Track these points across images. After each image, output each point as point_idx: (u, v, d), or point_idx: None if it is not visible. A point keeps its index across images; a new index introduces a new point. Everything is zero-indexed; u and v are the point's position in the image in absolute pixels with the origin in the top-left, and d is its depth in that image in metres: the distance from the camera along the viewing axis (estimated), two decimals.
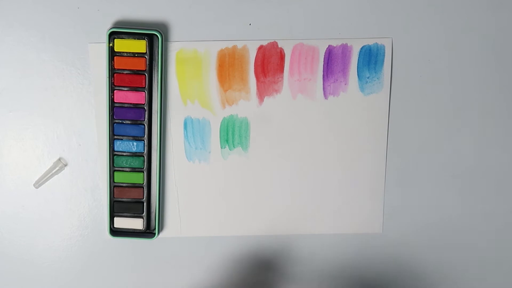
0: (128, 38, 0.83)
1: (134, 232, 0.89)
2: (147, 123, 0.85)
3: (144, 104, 0.85)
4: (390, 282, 0.92)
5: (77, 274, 0.92)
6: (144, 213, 0.88)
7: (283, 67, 0.87)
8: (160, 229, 0.90)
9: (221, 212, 0.91)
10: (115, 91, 0.85)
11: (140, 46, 0.83)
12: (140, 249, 0.91)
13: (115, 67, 0.84)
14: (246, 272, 0.93)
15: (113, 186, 0.87)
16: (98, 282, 0.93)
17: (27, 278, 0.92)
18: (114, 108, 0.85)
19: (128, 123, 0.85)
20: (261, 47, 0.86)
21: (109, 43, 0.83)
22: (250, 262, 0.91)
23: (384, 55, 0.87)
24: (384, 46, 0.86)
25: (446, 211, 0.91)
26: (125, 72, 0.84)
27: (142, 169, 0.87)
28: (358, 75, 0.87)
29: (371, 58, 0.87)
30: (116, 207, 0.88)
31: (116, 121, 0.85)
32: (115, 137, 0.86)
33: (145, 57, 0.84)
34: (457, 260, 0.92)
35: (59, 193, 0.90)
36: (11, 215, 0.90)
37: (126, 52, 0.84)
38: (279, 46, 0.86)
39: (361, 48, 0.86)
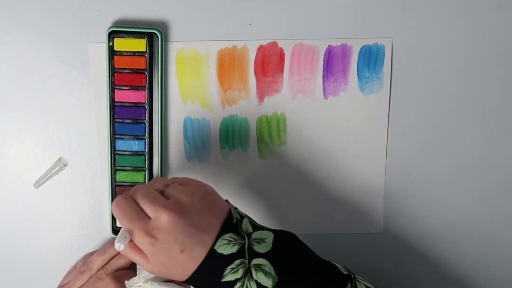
0: (128, 37, 0.83)
1: None
2: (148, 122, 0.85)
3: (144, 103, 0.85)
4: (390, 282, 0.92)
5: None
6: None
7: (283, 67, 0.87)
8: None
9: None
10: (115, 90, 0.85)
11: (139, 45, 0.83)
12: None
13: (115, 66, 0.84)
14: None
15: (115, 185, 0.87)
16: None
17: (27, 278, 0.92)
18: (114, 107, 0.85)
19: (129, 122, 0.85)
20: (261, 47, 0.86)
21: (109, 42, 0.83)
22: None
23: (384, 55, 0.87)
24: (384, 46, 0.86)
25: (445, 211, 0.92)
26: (125, 71, 0.84)
27: (143, 168, 0.87)
28: (358, 75, 0.87)
29: (371, 58, 0.87)
30: None
31: (117, 120, 0.85)
32: (116, 136, 0.86)
33: (145, 56, 0.84)
34: (456, 259, 0.92)
35: (59, 193, 0.90)
36: (11, 215, 0.90)
37: (126, 51, 0.84)
38: (279, 46, 0.86)
39: (361, 48, 0.87)
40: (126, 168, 0.87)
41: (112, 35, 0.83)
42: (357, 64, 0.87)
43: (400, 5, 0.86)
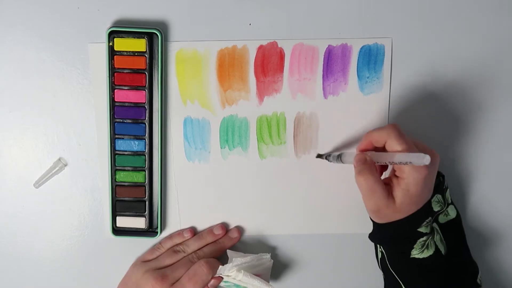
0: (128, 37, 0.83)
1: (136, 231, 0.90)
2: (148, 122, 0.85)
3: (144, 103, 0.85)
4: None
5: (77, 274, 0.92)
6: (146, 212, 0.88)
7: (283, 67, 0.87)
8: (162, 228, 0.90)
9: (221, 212, 0.91)
10: (115, 90, 0.85)
11: (139, 45, 0.83)
12: (140, 248, 0.91)
13: (115, 66, 0.84)
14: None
15: (115, 185, 0.87)
16: (98, 282, 0.93)
17: (27, 277, 0.92)
18: (115, 107, 0.85)
19: (129, 122, 0.85)
20: (261, 47, 0.86)
21: (109, 42, 0.83)
22: None
23: (384, 55, 0.87)
24: (384, 46, 0.86)
25: None
26: (125, 71, 0.84)
27: (143, 168, 0.87)
28: (358, 75, 0.87)
29: (371, 58, 0.87)
30: (118, 206, 0.88)
31: (117, 120, 0.85)
32: (116, 136, 0.86)
33: (145, 56, 0.84)
34: None
35: (59, 193, 0.90)
36: (11, 215, 0.90)
37: (126, 51, 0.84)
38: (279, 46, 0.86)
39: (361, 48, 0.87)
40: (126, 168, 0.87)
41: (112, 35, 0.83)
42: (357, 64, 0.87)
43: (400, 5, 0.86)
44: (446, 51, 0.87)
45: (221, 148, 0.89)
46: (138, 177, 0.87)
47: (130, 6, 0.84)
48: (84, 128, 0.88)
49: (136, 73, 0.84)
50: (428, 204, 0.81)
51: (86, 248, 0.91)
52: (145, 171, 0.87)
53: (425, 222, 0.80)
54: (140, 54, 0.84)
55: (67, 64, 0.86)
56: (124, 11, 0.85)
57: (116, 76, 0.84)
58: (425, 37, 0.86)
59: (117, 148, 0.86)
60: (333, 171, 0.89)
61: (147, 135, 0.86)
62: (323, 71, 0.87)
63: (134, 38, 0.83)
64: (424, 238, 0.81)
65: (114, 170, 0.87)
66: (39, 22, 0.85)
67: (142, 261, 0.90)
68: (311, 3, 0.85)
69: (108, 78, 0.84)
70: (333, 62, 0.87)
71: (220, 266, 0.85)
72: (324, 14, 0.86)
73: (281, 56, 0.86)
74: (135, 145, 0.86)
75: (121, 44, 0.83)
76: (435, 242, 0.82)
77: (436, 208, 0.86)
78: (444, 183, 0.87)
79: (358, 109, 0.88)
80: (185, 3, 0.85)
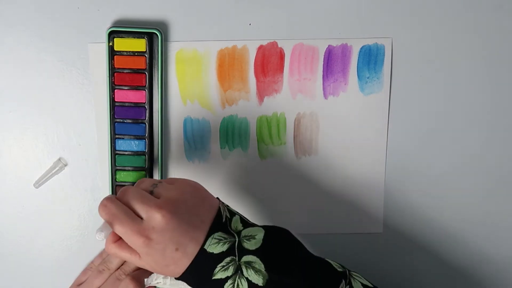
0: (128, 37, 0.83)
1: None
2: (148, 122, 0.85)
3: (145, 103, 0.85)
4: (390, 281, 0.92)
5: (77, 274, 0.91)
6: None
7: (283, 67, 0.87)
8: None
9: None
10: (115, 90, 0.84)
11: (139, 44, 0.83)
12: None
13: (115, 66, 0.84)
14: None
15: (115, 185, 0.87)
16: None
17: (27, 278, 0.92)
18: (115, 107, 0.85)
19: (129, 122, 0.85)
20: (261, 47, 0.86)
21: (109, 42, 0.83)
22: None
23: (384, 55, 0.87)
24: (384, 46, 0.86)
25: (446, 211, 0.92)
26: (125, 71, 0.84)
27: (144, 168, 0.87)
28: (358, 75, 0.87)
29: (371, 58, 0.87)
30: None
31: (117, 120, 0.85)
32: (117, 136, 0.86)
33: (145, 56, 0.84)
34: (456, 258, 0.92)
35: (59, 193, 0.90)
36: (11, 215, 0.90)
37: (126, 51, 0.84)
38: (279, 46, 0.86)
39: (361, 48, 0.86)
40: (126, 168, 0.87)
41: (112, 35, 0.83)
42: (357, 64, 0.87)
43: (400, 5, 0.86)
44: (446, 51, 0.87)
45: (221, 148, 0.89)
46: (139, 177, 0.87)
47: (130, 6, 0.84)
48: (84, 128, 0.88)
49: (136, 73, 0.84)
50: (201, 254, 0.70)
51: (86, 248, 0.91)
52: (145, 171, 0.87)
53: (218, 268, 0.70)
54: (140, 54, 0.84)
55: (67, 64, 0.86)
56: (124, 11, 0.85)
57: (116, 76, 0.84)
58: (425, 37, 0.86)
59: (117, 148, 0.86)
60: (333, 172, 0.89)
61: (147, 135, 0.86)
62: (323, 71, 0.87)
63: (134, 38, 0.83)
64: (229, 282, 0.70)
65: (114, 170, 0.87)
66: (39, 22, 0.85)
67: (76, 285, 0.89)
68: (311, 3, 0.85)
69: (108, 78, 0.84)
70: (333, 62, 0.87)
71: (146, 279, 0.83)
72: (324, 14, 0.86)
73: (281, 56, 0.86)
74: (135, 145, 0.86)
75: (121, 44, 0.83)
76: (247, 278, 0.70)
77: (222, 248, 0.71)
78: (222, 215, 0.74)
79: (358, 109, 0.88)
80: (185, 3, 0.85)
